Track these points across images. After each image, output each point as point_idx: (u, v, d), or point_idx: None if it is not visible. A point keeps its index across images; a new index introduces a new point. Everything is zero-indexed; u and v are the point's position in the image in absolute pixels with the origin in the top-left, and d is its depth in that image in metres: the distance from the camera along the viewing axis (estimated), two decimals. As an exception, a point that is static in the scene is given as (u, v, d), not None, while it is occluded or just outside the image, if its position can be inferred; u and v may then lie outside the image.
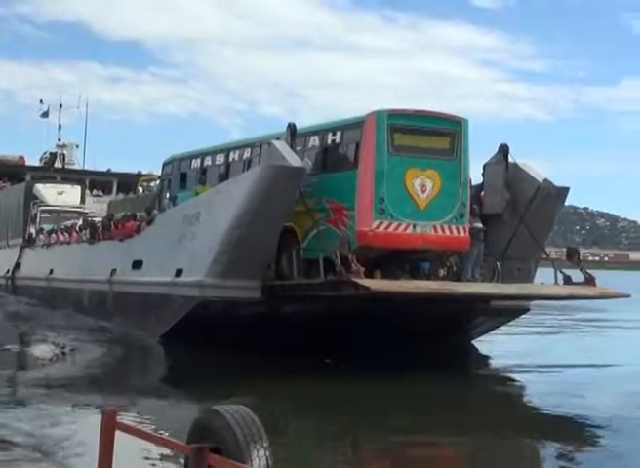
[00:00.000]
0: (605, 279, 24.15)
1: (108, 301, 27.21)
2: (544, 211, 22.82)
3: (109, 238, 28.52)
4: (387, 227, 20.10)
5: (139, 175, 47.40)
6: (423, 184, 20.40)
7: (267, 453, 7.16)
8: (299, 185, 20.54)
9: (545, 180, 22.80)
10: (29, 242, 38.21)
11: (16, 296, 37.49)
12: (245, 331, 20.90)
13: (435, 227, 20.52)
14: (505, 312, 24.35)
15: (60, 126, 51.57)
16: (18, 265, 38.49)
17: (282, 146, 20.83)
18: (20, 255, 38.57)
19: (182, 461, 7.61)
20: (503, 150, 23.21)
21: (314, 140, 22.01)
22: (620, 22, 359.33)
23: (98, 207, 41.15)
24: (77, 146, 51.14)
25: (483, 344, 25.72)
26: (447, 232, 20.68)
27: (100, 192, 46.14)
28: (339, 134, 21.39)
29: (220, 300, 21.72)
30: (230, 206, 21.16)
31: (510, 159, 23.23)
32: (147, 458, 11.05)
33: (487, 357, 25.19)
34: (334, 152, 21.77)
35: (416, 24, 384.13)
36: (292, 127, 21.30)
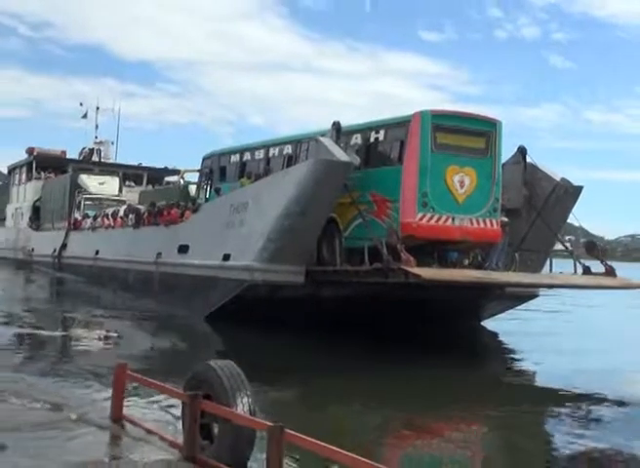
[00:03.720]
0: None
1: (154, 281, 24.67)
2: (561, 206, 20.66)
3: (154, 224, 25.92)
4: (430, 219, 17.85)
5: (165, 169, 45.36)
6: (462, 180, 18.14)
7: (250, 400, 7.21)
8: (345, 179, 18.16)
9: (563, 179, 20.74)
10: (74, 226, 35.55)
11: (62, 273, 35.00)
12: (287, 311, 18.54)
13: (472, 220, 18.29)
14: (517, 297, 22.13)
15: (97, 126, 48.86)
16: (64, 246, 35.98)
17: (329, 142, 18.52)
18: (66, 237, 35.97)
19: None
20: (522, 151, 21.02)
21: (356, 138, 19.62)
22: (540, 56, 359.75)
23: (130, 196, 38.59)
24: (112, 143, 48.37)
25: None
26: (482, 225, 18.45)
27: (132, 183, 43.50)
28: (382, 132, 19.02)
29: (266, 283, 19.38)
30: (281, 196, 18.80)
31: (528, 159, 20.99)
32: (154, 403, 10.59)
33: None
34: (377, 149, 19.40)
35: (374, 53, 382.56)
36: (337, 125, 18.94)
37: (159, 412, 10.25)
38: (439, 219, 17.90)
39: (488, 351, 21.01)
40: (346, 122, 19.37)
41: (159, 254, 24.46)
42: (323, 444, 6.21)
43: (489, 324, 23.34)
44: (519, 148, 21.03)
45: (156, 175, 44.67)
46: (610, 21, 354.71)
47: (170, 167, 45.29)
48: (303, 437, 6.37)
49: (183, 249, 23.03)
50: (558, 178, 20.67)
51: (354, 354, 16.82)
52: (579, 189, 20.81)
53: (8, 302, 25.25)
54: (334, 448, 6.13)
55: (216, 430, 7.47)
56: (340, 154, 18.09)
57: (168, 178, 44.30)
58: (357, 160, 18.30)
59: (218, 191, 23.43)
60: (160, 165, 45.93)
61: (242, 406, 7.15)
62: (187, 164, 45.16)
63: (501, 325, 23.45)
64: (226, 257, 20.53)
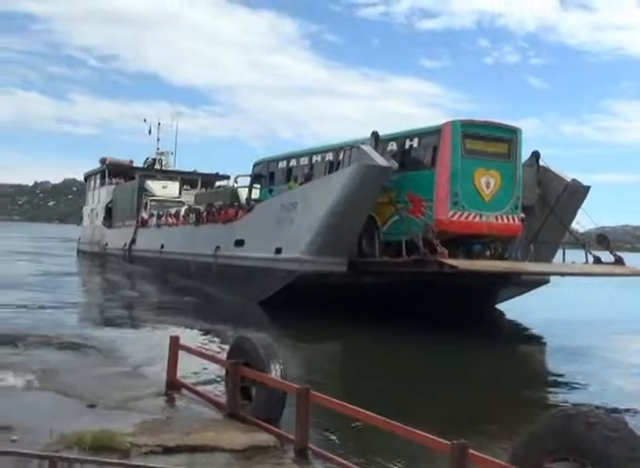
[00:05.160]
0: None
1: (213, 271, 23.84)
2: (571, 203, 19.62)
3: (213, 221, 25.11)
4: (460, 216, 17.01)
5: (216, 174, 44.34)
6: (488, 182, 17.24)
7: (282, 367, 7.25)
8: (384, 181, 17.26)
9: (573, 180, 19.69)
10: (142, 224, 34.86)
11: (132, 264, 34.32)
12: (332, 296, 17.64)
13: (497, 216, 17.40)
14: (531, 283, 21.07)
15: (158, 139, 47.85)
16: (133, 241, 35.27)
17: (370, 149, 17.56)
18: (135, 234, 35.31)
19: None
20: (535, 155, 19.98)
21: (392, 145, 18.66)
22: (521, 78, 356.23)
23: (187, 198, 37.70)
24: (172, 153, 47.49)
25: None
26: (505, 220, 17.53)
27: (189, 187, 42.51)
28: (416, 140, 18.08)
29: (314, 273, 18.51)
30: (327, 197, 17.97)
31: (541, 162, 19.92)
32: (203, 369, 10.38)
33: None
34: (411, 154, 18.41)
35: (383, 78, 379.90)
36: (375, 134, 18.11)
37: (207, 377, 10.11)
38: (468, 216, 17.04)
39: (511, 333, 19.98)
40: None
41: (217, 248, 23.68)
42: (343, 403, 6.12)
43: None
44: (533, 153, 20.04)
45: (209, 180, 43.69)
46: (580, 49, 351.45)
47: (220, 173, 44.45)
48: (327, 397, 6.32)
49: (239, 243, 22.23)
50: (569, 179, 19.68)
51: (391, 338, 15.81)
52: (587, 188, 19.78)
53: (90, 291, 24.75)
54: (352, 406, 5.99)
55: (253, 392, 7.57)
56: (380, 159, 17.25)
57: (218, 183, 43.41)
58: (395, 165, 17.40)
59: (271, 192, 22.67)
60: (207, 171, 44.94)
61: (275, 371, 7.23)
62: (228, 171, 44.34)
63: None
64: (279, 251, 19.73)
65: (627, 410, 9.70)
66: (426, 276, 17.34)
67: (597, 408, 4.36)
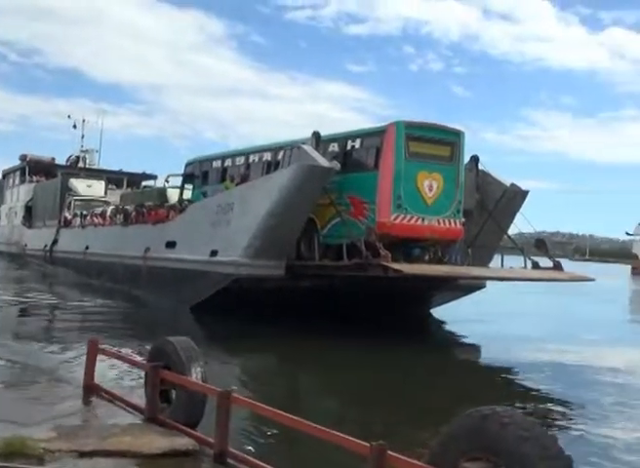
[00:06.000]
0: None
1: (142, 274, 22.64)
2: (510, 208, 19.50)
3: (142, 222, 23.87)
4: (403, 219, 16.55)
5: (143, 174, 42.81)
6: (430, 185, 16.83)
7: (202, 370, 7.13)
8: (325, 182, 16.62)
9: (512, 184, 19.54)
10: (65, 224, 33.05)
11: (54, 266, 32.47)
12: (268, 301, 16.91)
13: (439, 220, 17.01)
14: (467, 288, 20.83)
15: (82, 136, 45.82)
16: (55, 242, 33.46)
17: (311, 150, 16.89)
18: (57, 234, 33.46)
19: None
20: (474, 160, 19.70)
21: (334, 146, 18.05)
22: (445, 86, 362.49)
23: (113, 198, 36.11)
24: (97, 151, 45.56)
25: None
26: (447, 224, 17.17)
27: (114, 186, 40.78)
28: (358, 140, 17.52)
29: (251, 277, 17.70)
30: (265, 198, 17.18)
31: (480, 166, 19.72)
32: (123, 373, 9.99)
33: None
34: (354, 156, 17.83)
35: (309, 82, 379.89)
36: (317, 135, 17.44)
37: (127, 381, 9.75)
38: (411, 219, 16.61)
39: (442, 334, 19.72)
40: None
41: (147, 250, 22.51)
42: (265, 406, 5.96)
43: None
44: (472, 157, 19.75)
45: (135, 179, 42.20)
46: (502, 58, 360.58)
47: (147, 172, 42.90)
48: (249, 400, 6.18)
49: (171, 244, 21.17)
50: (508, 184, 19.55)
51: (328, 343, 15.12)
52: (525, 193, 19.72)
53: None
54: (275, 409, 5.84)
55: (174, 395, 7.42)
56: (322, 160, 16.65)
57: (145, 182, 41.90)
58: (338, 165, 16.77)
59: (205, 194, 21.65)
60: (132, 170, 43.22)
61: (195, 374, 7.10)
62: (153, 170, 43.13)
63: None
64: (214, 253, 18.81)
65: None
66: (366, 280, 16.83)
67: (511, 408, 4.42)
